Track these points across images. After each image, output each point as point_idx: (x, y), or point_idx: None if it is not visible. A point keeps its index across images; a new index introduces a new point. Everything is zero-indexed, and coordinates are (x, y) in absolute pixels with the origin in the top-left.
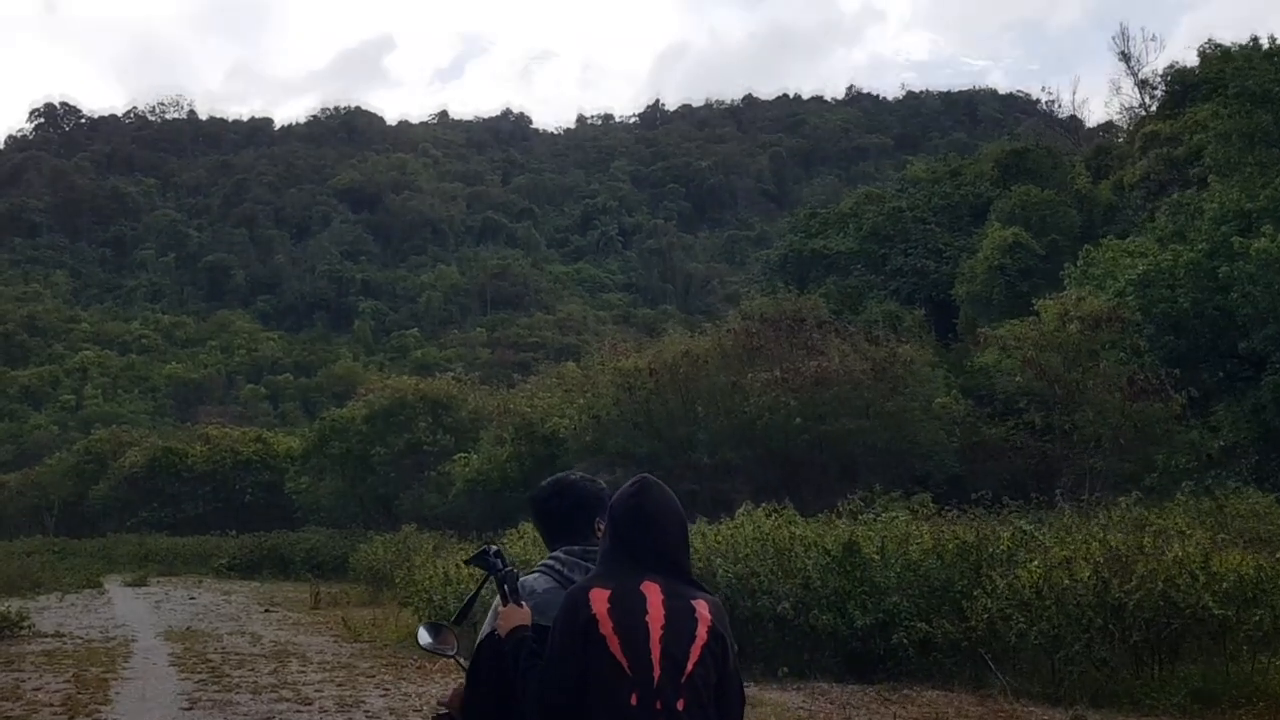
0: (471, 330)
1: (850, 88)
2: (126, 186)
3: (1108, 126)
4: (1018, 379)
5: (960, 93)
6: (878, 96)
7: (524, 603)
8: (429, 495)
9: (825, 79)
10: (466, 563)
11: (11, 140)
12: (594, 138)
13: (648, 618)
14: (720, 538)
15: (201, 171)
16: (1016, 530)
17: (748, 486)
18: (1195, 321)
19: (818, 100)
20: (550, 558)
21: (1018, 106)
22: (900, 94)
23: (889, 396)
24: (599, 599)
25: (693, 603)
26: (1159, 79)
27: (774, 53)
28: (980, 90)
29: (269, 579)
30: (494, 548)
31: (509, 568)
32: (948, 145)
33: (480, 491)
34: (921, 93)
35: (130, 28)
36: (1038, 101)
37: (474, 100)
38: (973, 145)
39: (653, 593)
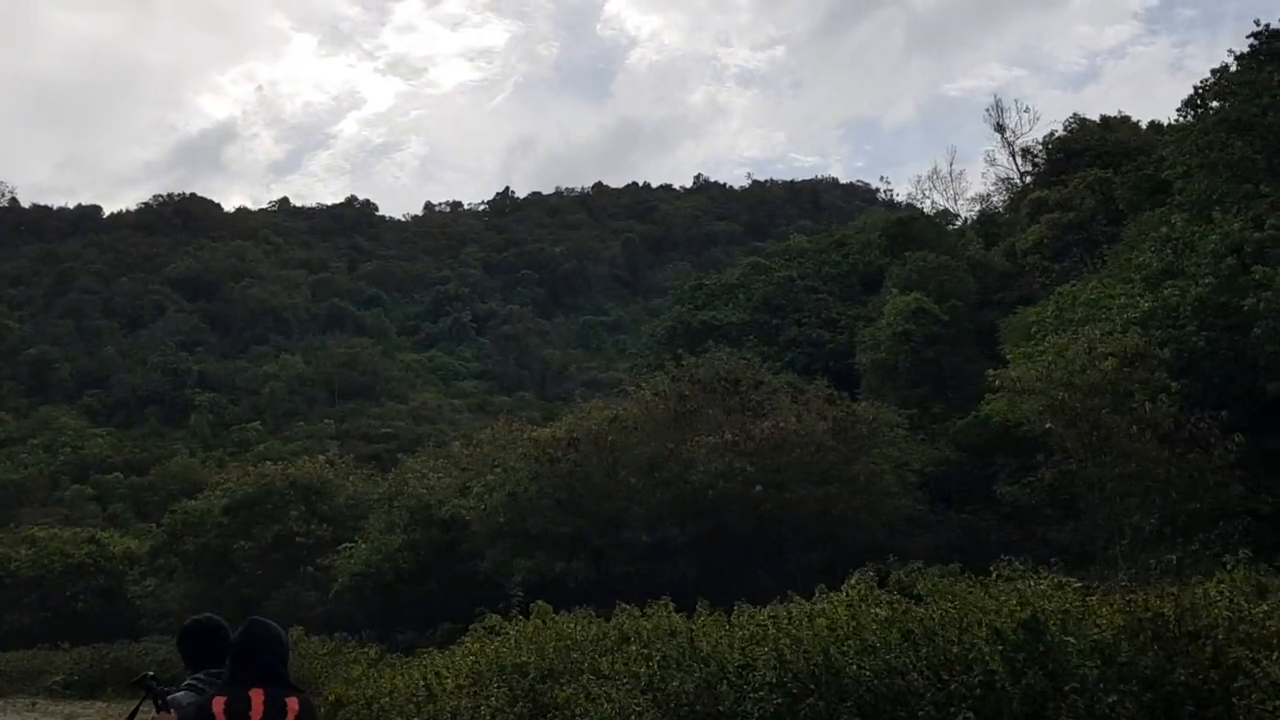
0: (319, 422)
1: (698, 176)
2: None
3: (984, 198)
4: (1047, 425)
5: (803, 182)
6: (724, 185)
7: (172, 710)
8: (305, 594)
9: (672, 170)
10: (131, 684)
11: None
12: (443, 225)
13: (250, 712)
14: (799, 628)
15: (24, 261)
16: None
17: (693, 567)
18: (1208, 362)
19: (666, 189)
20: (193, 678)
21: (858, 195)
22: (746, 183)
23: (854, 459)
24: (219, 704)
25: (285, 700)
26: (1039, 148)
27: (622, 145)
28: (822, 180)
29: (115, 698)
30: (149, 673)
31: (162, 688)
32: (795, 231)
33: (369, 586)
34: (766, 182)
35: None
36: (877, 190)
37: (315, 191)
38: (820, 231)
39: (257, 696)
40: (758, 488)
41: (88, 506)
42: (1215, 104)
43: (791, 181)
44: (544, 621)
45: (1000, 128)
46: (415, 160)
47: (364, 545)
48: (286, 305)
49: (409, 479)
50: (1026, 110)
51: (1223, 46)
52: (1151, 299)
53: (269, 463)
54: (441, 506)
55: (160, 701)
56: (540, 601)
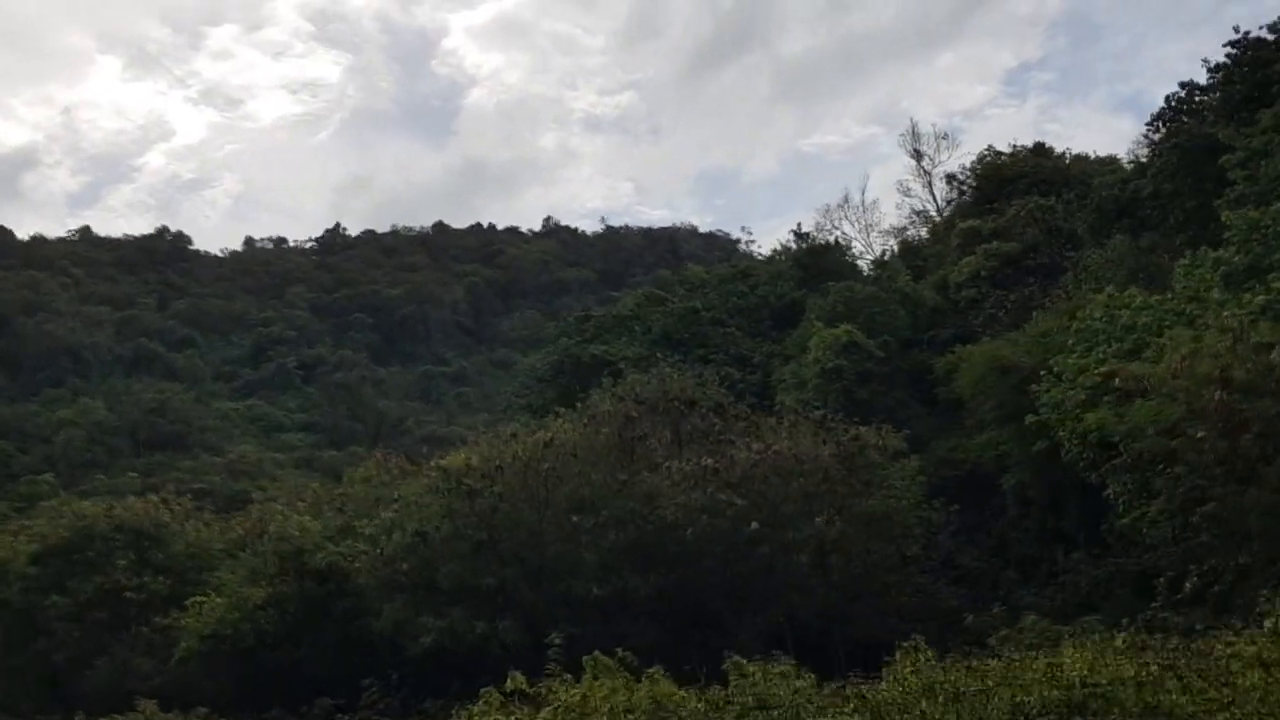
0: (122, 475)
1: (548, 219)
2: None
3: (900, 230)
4: (1198, 436)
5: (661, 230)
6: (576, 230)
7: None
8: (138, 661)
9: (520, 214)
10: None
11: None
12: (266, 262)
13: None
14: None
15: None
16: None
17: (653, 627)
18: None
19: (514, 231)
20: None
21: (718, 245)
22: (599, 228)
23: (866, 491)
24: None
25: None
26: (966, 174)
27: (466, 187)
28: (680, 228)
29: None
30: None
31: None
32: (653, 281)
33: (224, 652)
34: (621, 228)
35: None
36: (738, 241)
37: (118, 227)
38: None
39: None
40: (753, 525)
41: None
42: (1186, 120)
43: (649, 229)
44: (611, 685)
45: (918, 154)
46: (229, 198)
47: (217, 600)
48: (86, 344)
49: (271, 521)
50: (945, 137)
51: (1080, 111)
52: (1265, 294)
53: (88, 502)
54: (316, 553)
55: None
56: (598, 654)
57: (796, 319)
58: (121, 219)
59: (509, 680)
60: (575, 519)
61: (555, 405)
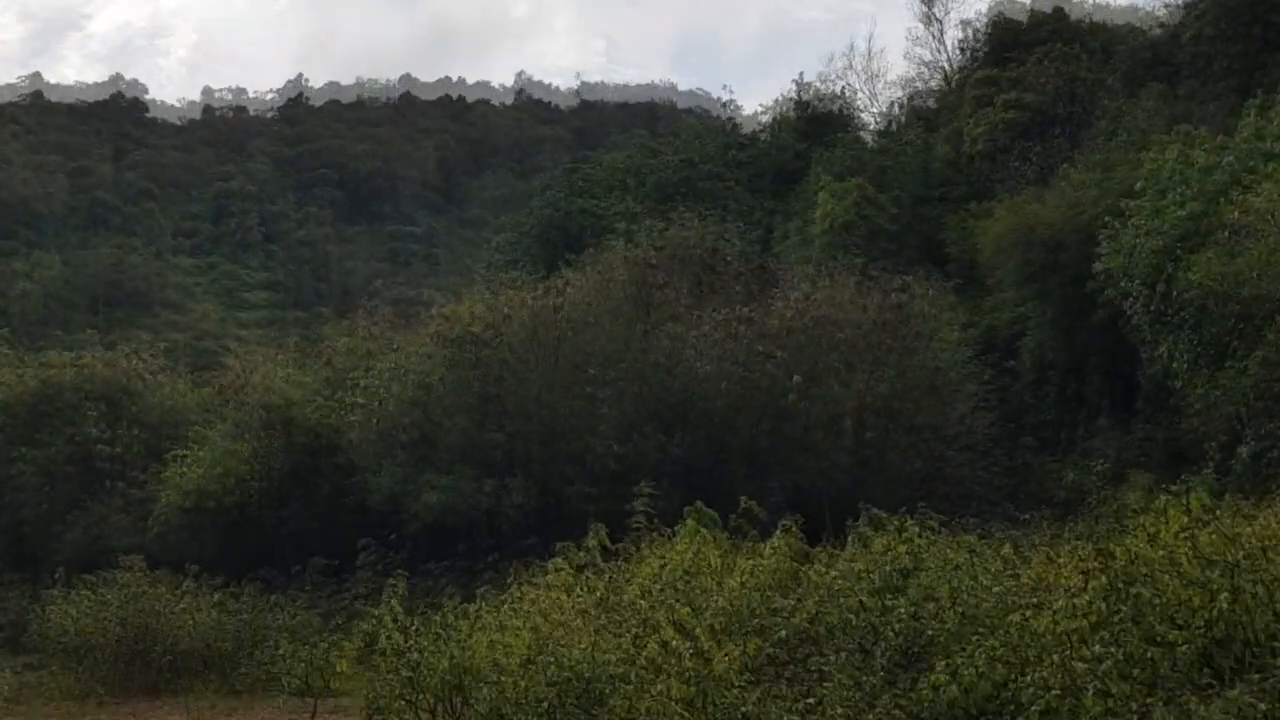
0: (80, 333)
1: (521, 73)
2: None
3: (908, 81)
4: None
5: (639, 86)
6: (550, 86)
7: None
8: (115, 520)
9: (492, 73)
10: None
11: None
12: (226, 114)
13: None
14: None
15: None
16: None
17: (680, 490)
18: None
19: (483, 87)
20: None
21: (699, 105)
22: (575, 84)
23: (914, 349)
24: None
25: None
26: (986, 26)
27: (435, 44)
28: (660, 86)
29: None
30: None
31: None
32: (631, 143)
33: (207, 513)
34: (597, 84)
35: None
36: (722, 102)
37: (72, 74)
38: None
39: None
40: (795, 378)
41: None
42: None
43: (625, 86)
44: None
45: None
46: (185, 48)
47: (200, 457)
48: (39, 197)
49: (254, 376)
50: None
51: None
52: None
53: (53, 353)
54: (304, 410)
55: None
56: (700, 505)
57: (798, 176)
58: (72, 70)
59: (592, 536)
60: (591, 374)
61: (542, 263)
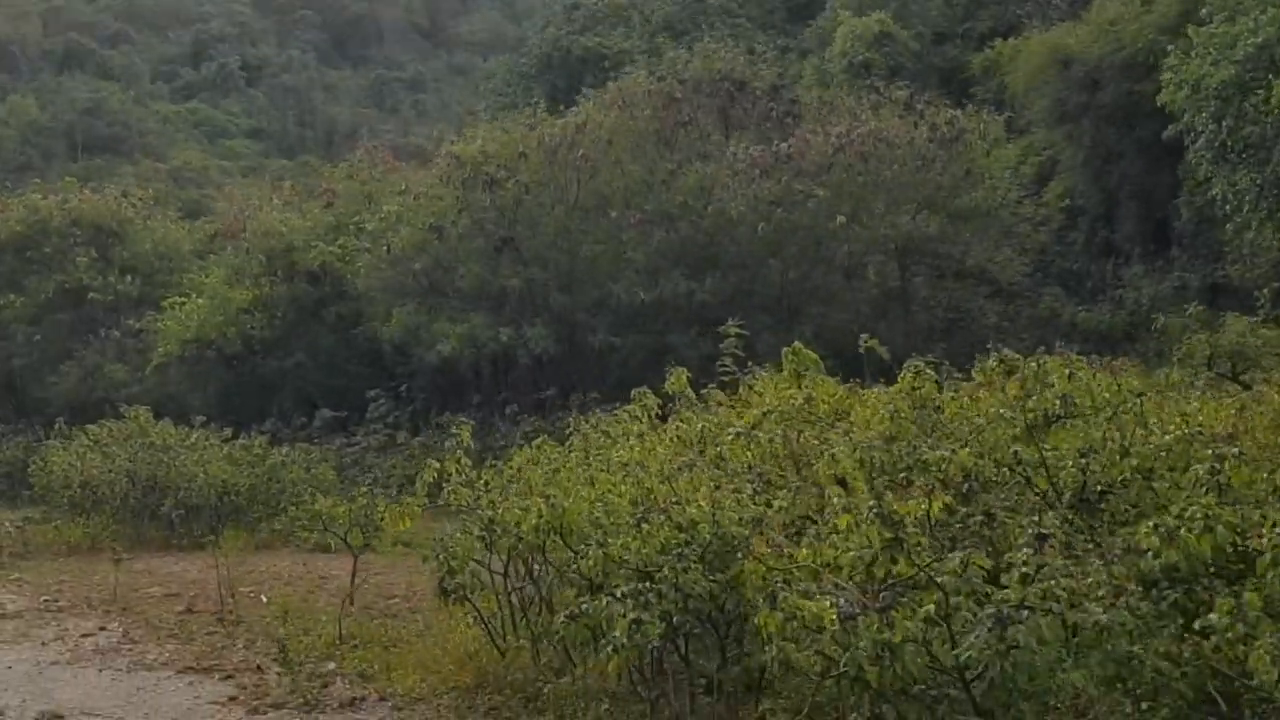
0: (58, 179)
1: None
2: None
3: None
4: None
5: None
6: None
7: None
8: (109, 368)
9: None
10: None
11: None
12: None
13: None
14: None
15: None
16: None
17: (707, 339)
18: None
19: None
20: None
21: None
22: None
23: (972, 183)
24: None
25: None
26: None
27: None
28: None
29: None
30: None
31: None
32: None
33: (206, 359)
34: None
35: None
36: None
37: None
38: None
39: None
40: (839, 218)
41: None
42: None
43: None
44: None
45: None
46: None
47: (198, 302)
48: (13, 38)
49: (252, 217)
50: None
51: None
52: None
53: (38, 196)
54: (307, 251)
55: None
56: (799, 346)
57: (813, 11)
58: None
59: (672, 379)
60: (613, 215)
61: (544, 104)
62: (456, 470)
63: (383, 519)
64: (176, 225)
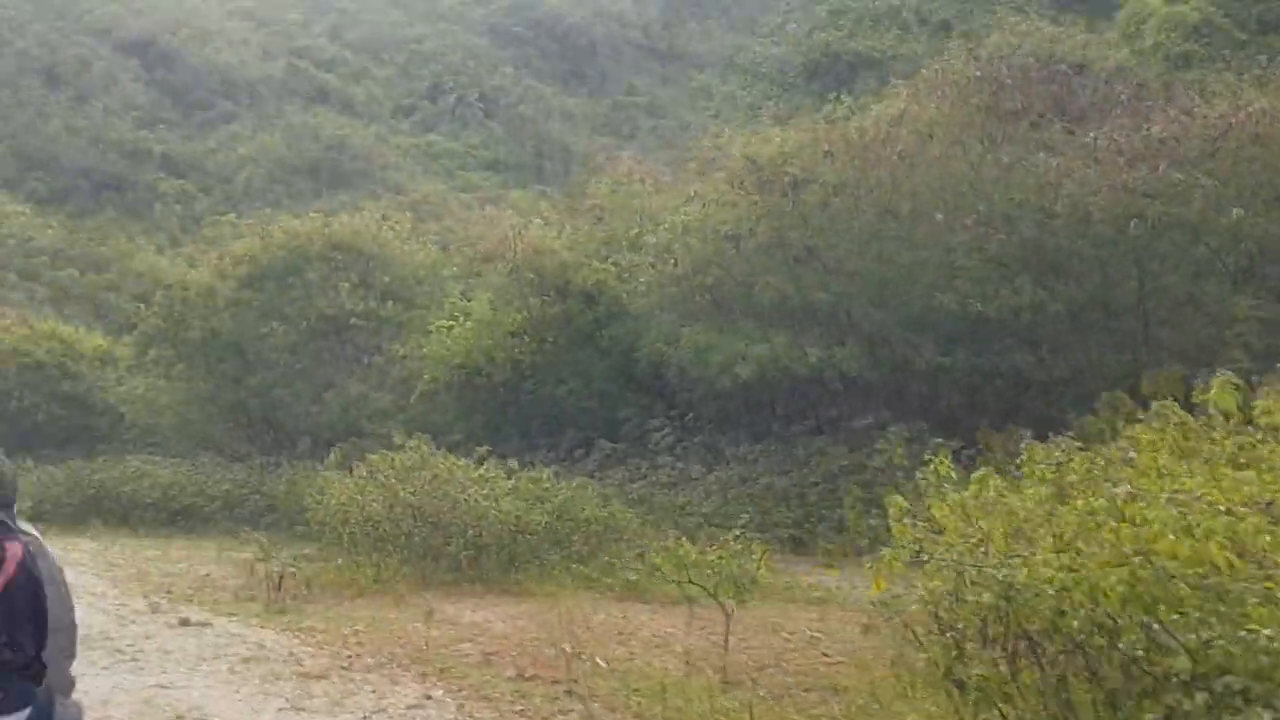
0: (305, 215)
1: None
2: None
3: None
4: None
5: None
6: None
7: None
8: (373, 396)
9: None
10: None
11: None
12: None
13: None
14: None
15: None
16: None
17: (1063, 360)
18: None
19: None
20: None
21: None
22: None
23: None
24: None
25: (4, 544)
26: None
27: None
28: None
29: (105, 532)
30: None
31: None
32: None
33: (474, 386)
34: None
35: None
36: None
37: None
38: None
39: None
40: (1236, 211)
41: (41, 310)
42: None
43: None
44: None
45: None
46: None
47: (466, 325)
48: (260, 77)
49: (519, 235)
50: None
51: None
52: None
53: (298, 220)
54: (579, 269)
55: None
56: None
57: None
58: None
59: (1215, 388)
60: (938, 217)
61: (810, 113)
62: (939, 511)
63: (759, 568)
64: (435, 248)
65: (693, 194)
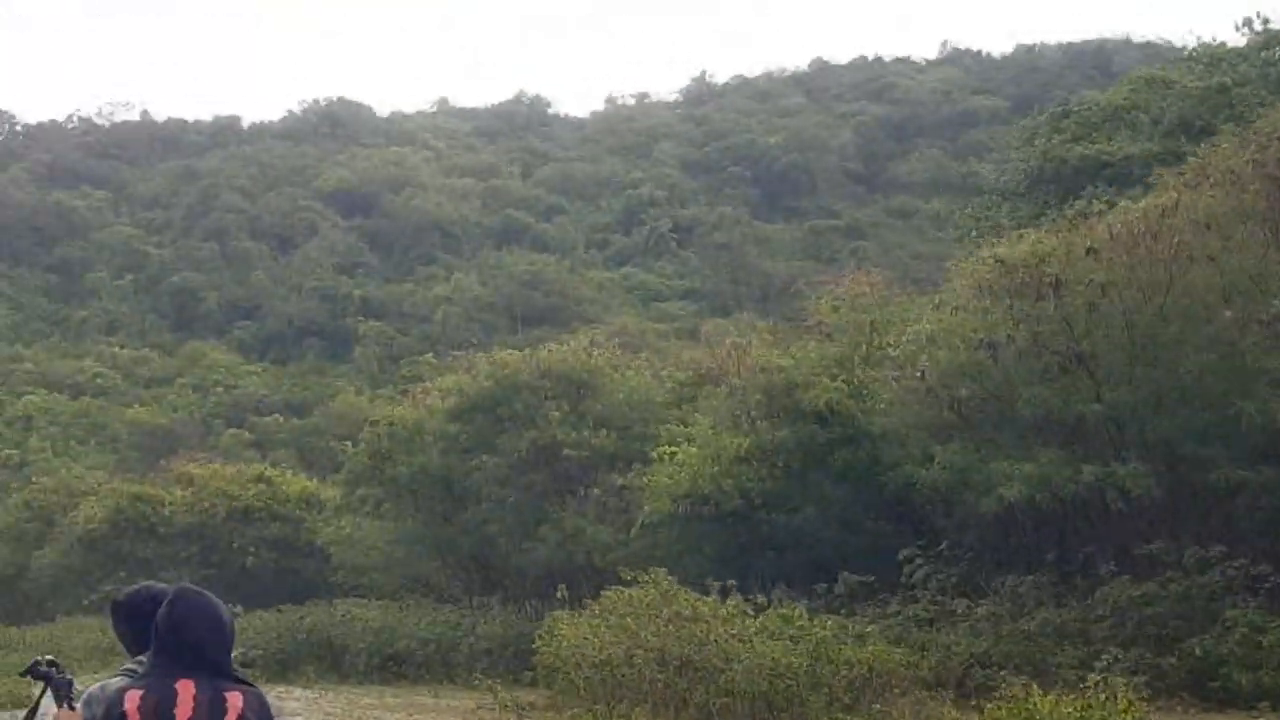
0: (501, 352)
1: (945, 43)
2: (72, 200)
3: None
4: None
5: (1086, 43)
6: (980, 53)
7: (77, 707)
8: (590, 531)
9: (910, 41)
10: (22, 674)
11: None
12: (629, 118)
13: (176, 710)
14: None
15: (160, 180)
16: None
17: None
18: None
19: (903, 61)
20: (134, 662)
21: (1161, 56)
22: (1008, 49)
23: None
24: (132, 699)
25: (225, 694)
26: None
27: (844, 12)
28: (1110, 40)
29: (317, 682)
30: (48, 657)
31: (62, 675)
32: (1080, 104)
33: (700, 517)
34: (1035, 45)
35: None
36: (1187, 50)
37: (476, 92)
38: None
39: (185, 689)
40: None
41: (246, 454)
42: None
43: (1069, 44)
44: None
45: None
46: (584, 49)
47: (691, 451)
48: (454, 219)
49: (745, 352)
50: None
51: None
52: None
53: (510, 351)
54: (809, 389)
55: (63, 694)
56: None
57: None
58: (480, 82)
59: None
60: (1227, 315)
61: (1034, 223)
62: None
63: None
64: (649, 374)
65: (937, 302)
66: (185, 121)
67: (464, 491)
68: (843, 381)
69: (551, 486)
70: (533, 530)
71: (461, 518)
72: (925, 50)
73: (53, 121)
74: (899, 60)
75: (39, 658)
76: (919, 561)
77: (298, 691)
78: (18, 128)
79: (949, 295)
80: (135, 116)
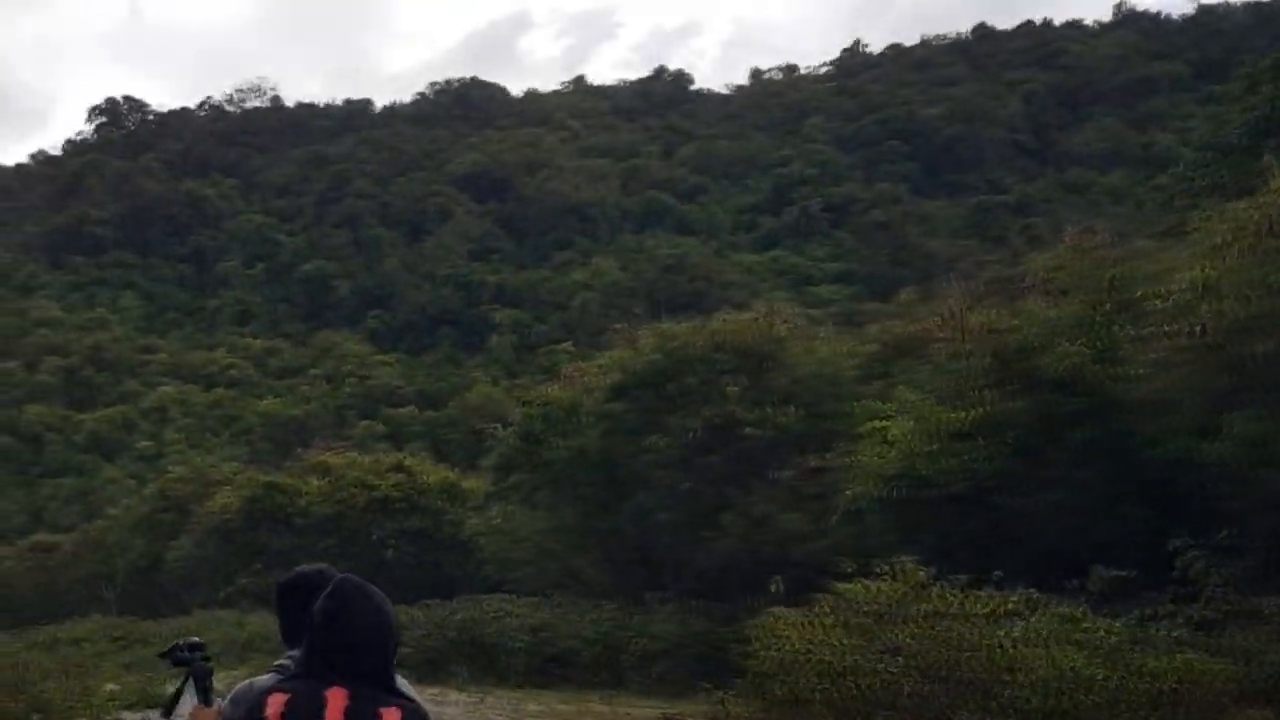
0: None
1: (1119, 5)
2: (203, 189)
3: None
4: None
5: (1277, 1)
6: (1158, 15)
7: (221, 703)
8: (780, 519)
9: (1080, 3)
10: (160, 656)
11: (70, 145)
12: (777, 93)
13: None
14: None
15: (291, 167)
16: None
17: None
18: None
19: (1075, 26)
20: (286, 656)
21: None
22: (1189, 9)
23: None
24: (275, 703)
25: (380, 710)
26: None
27: None
28: None
29: (470, 685)
30: (190, 639)
31: (203, 662)
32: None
33: (915, 505)
34: (1219, 5)
35: (209, 39)
36: None
37: (613, 71)
38: None
39: (335, 699)
40: None
41: (378, 445)
42: None
43: (1257, 3)
44: None
45: None
46: (719, 46)
47: (906, 425)
48: (591, 201)
49: (955, 317)
50: None
51: None
52: None
53: (680, 323)
54: (1046, 353)
55: (202, 684)
56: None
57: None
58: (618, 63)
59: None
60: None
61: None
62: None
63: None
64: (839, 342)
65: (1219, 243)
66: (315, 106)
67: (627, 477)
68: (1083, 344)
69: (732, 469)
70: (711, 518)
71: (624, 505)
72: (1098, 13)
73: (184, 109)
74: (1070, 24)
75: (180, 640)
76: (1194, 553)
77: (453, 695)
78: (149, 117)
79: (1217, 243)
80: (265, 102)
